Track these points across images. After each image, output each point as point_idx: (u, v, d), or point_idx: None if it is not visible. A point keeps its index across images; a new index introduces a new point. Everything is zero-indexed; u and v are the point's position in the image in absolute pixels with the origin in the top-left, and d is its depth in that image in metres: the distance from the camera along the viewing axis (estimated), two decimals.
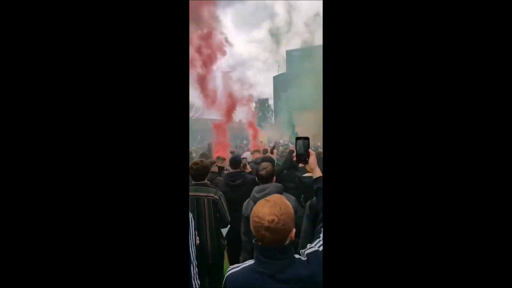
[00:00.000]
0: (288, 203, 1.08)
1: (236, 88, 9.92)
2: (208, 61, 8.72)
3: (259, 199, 2.08)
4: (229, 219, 2.64)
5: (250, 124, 11.61)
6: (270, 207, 1.04)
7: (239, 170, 3.21)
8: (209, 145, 8.83)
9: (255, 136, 11.12)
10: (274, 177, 2.45)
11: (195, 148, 8.99)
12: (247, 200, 2.41)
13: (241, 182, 3.05)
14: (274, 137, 15.89)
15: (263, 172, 2.39)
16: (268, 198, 1.10)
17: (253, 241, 1.08)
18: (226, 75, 10.04)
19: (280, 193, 2.27)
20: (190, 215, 1.75)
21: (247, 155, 6.05)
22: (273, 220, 1.00)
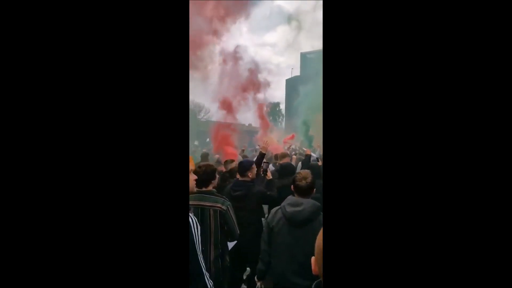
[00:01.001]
0: None
1: (251, 73, 9.11)
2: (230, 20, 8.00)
3: (290, 213, 1.94)
4: (238, 232, 2.38)
5: (260, 108, 9.88)
6: None
7: (247, 179, 2.83)
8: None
9: (264, 127, 10.02)
10: (314, 189, 2.08)
11: (206, 150, 8.41)
12: (276, 208, 2.09)
13: (243, 194, 2.73)
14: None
15: (302, 183, 2.02)
16: None
17: (313, 286, 0.87)
18: (237, 56, 9.07)
19: (318, 213, 1.92)
20: (194, 218, 1.53)
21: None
22: None
